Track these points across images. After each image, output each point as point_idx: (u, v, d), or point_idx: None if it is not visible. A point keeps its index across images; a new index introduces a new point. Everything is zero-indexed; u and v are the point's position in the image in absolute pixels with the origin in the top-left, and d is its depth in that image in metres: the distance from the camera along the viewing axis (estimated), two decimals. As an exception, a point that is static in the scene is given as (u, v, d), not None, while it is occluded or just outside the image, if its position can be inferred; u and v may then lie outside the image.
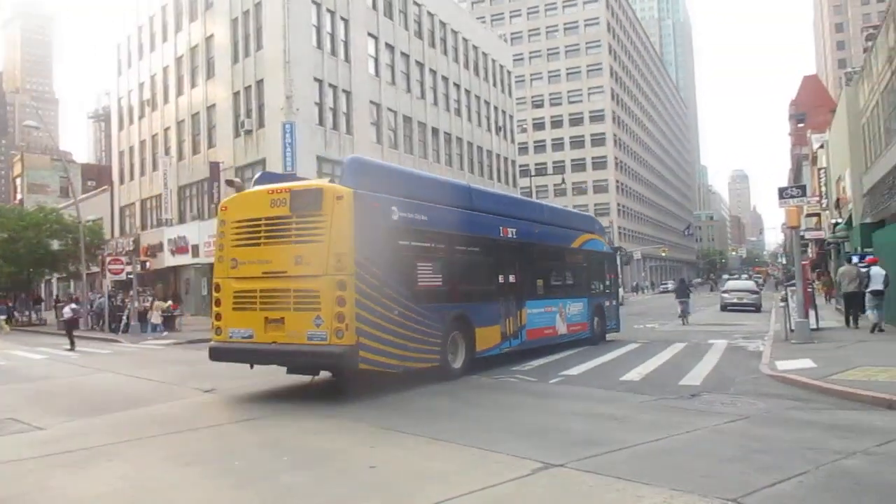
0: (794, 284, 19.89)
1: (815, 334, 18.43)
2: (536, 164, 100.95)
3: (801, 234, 46.45)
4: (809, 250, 62.19)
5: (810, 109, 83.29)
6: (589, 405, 10.13)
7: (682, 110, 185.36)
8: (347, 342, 10.42)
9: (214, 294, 11.52)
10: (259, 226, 11.29)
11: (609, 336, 20.59)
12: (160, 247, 45.65)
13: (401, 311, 11.51)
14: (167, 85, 47.21)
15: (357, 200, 10.83)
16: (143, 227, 48.91)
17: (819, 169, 49.92)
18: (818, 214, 54.38)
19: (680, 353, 17.00)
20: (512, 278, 15.29)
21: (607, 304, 20.60)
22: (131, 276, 30.10)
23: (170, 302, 31.66)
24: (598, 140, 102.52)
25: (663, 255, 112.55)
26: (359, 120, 41.68)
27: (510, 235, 15.48)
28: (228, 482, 6.67)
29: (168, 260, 45.23)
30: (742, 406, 9.84)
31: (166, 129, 47.03)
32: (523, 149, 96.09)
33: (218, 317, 11.46)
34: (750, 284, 42.06)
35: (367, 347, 10.74)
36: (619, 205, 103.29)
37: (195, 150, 44.29)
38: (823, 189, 48.29)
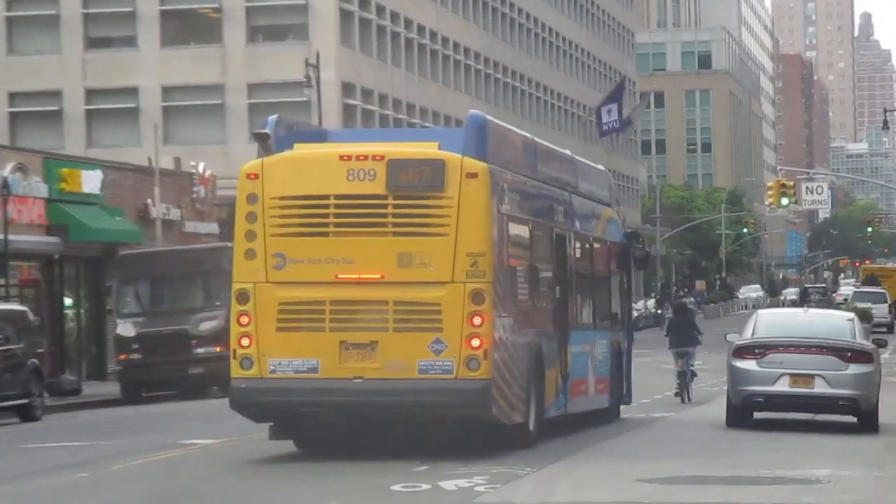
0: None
1: None
2: None
3: None
4: None
5: None
6: None
7: None
8: (483, 375, 10.22)
9: (238, 307, 10.73)
10: (327, 207, 10.71)
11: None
12: None
13: (515, 334, 11.25)
14: None
15: (493, 180, 10.67)
16: None
17: None
18: None
19: None
20: (558, 291, 13.75)
21: (625, 344, 17.28)
22: None
23: None
24: None
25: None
26: None
27: (560, 218, 14.04)
28: None
29: None
30: None
31: None
32: None
33: (245, 340, 10.59)
34: (839, 322, 16.90)
35: (497, 386, 10.51)
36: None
37: None
38: None
